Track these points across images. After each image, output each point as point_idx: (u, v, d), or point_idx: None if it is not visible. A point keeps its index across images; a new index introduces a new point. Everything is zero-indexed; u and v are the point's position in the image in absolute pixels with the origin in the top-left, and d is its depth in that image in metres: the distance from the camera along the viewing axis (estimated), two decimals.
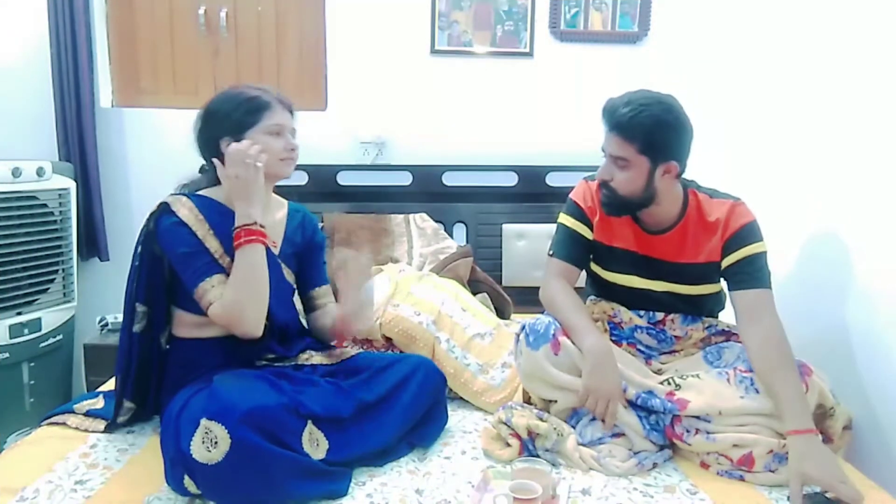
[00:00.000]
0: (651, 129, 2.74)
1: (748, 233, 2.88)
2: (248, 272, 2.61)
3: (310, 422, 2.45)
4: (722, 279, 3.00)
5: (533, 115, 5.01)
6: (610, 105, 2.82)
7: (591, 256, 3.16)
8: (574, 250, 3.10)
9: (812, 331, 3.29)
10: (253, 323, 2.65)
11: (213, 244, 2.66)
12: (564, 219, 3.14)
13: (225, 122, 2.74)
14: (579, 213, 3.10)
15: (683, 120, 2.81)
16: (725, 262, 2.91)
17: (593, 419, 2.78)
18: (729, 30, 4.30)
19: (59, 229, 4.35)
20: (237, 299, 2.59)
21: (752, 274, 2.86)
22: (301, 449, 2.35)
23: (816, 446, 2.49)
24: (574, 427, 2.82)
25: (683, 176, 2.95)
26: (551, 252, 3.13)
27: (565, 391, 2.82)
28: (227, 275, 2.65)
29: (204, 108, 2.82)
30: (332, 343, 3.01)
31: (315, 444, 2.42)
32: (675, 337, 3.09)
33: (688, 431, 2.70)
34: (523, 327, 2.95)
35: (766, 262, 2.88)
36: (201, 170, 2.96)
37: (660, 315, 3.08)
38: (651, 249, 3.02)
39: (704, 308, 3.11)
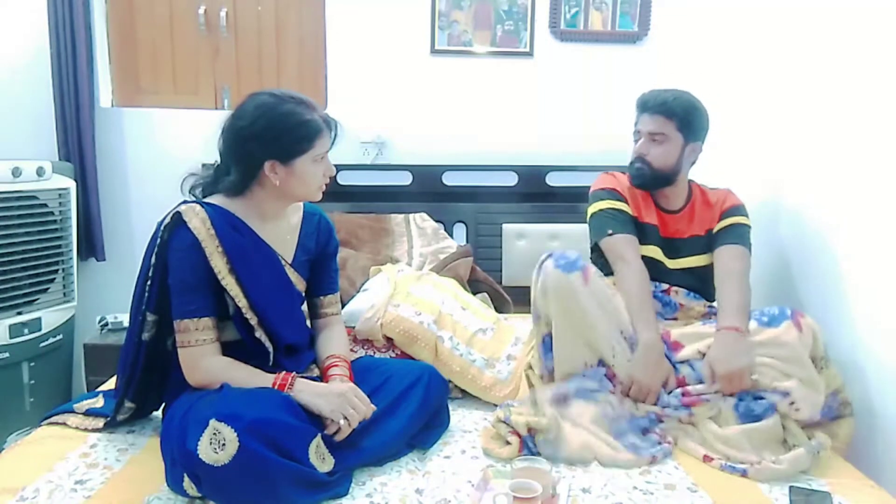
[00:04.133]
0: (688, 109, 3.26)
1: (739, 209, 3.38)
2: (249, 384, 2.58)
3: (318, 435, 2.44)
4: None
5: (533, 115, 5.02)
6: (650, 93, 3.31)
7: None
8: (628, 224, 3.35)
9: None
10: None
11: (218, 263, 2.58)
12: (603, 203, 3.40)
13: (275, 145, 2.60)
14: (615, 195, 3.40)
15: (707, 112, 3.33)
16: (717, 227, 3.36)
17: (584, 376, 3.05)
18: (729, 29, 4.30)
19: (59, 229, 4.35)
20: (221, 380, 2.56)
21: (735, 233, 3.31)
22: (307, 461, 2.34)
23: (734, 343, 2.92)
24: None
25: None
26: (610, 231, 3.32)
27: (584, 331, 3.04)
28: (217, 313, 2.66)
29: (249, 122, 2.61)
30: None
31: (321, 458, 2.41)
32: (679, 304, 3.34)
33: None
34: (551, 254, 3.08)
35: (749, 235, 3.32)
36: (217, 170, 2.79)
37: (665, 285, 3.35)
38: (667, 228, 3.40)
39: (706, 285, 3.35)
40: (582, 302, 2.97)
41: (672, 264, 3.35)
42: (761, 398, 2.83)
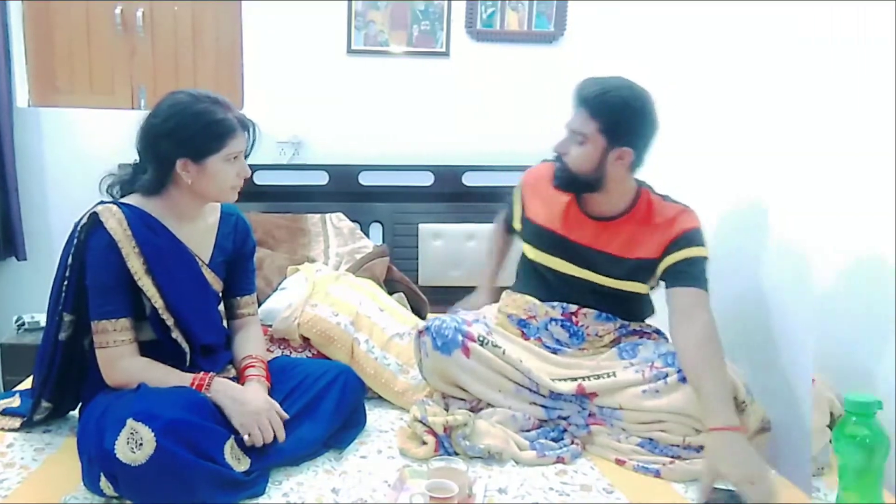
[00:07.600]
0: (615, 109, 2.82)
1: (693, 236, 2.94)
2: (167, 384, 2.58)
3: (233, 436, 2.46)
4: (661, 280, 3.02)
5: (449, 115, 5.06)
6: (584, 83, 2.91)
7: (522, 233, 3.32)
8: (508, 217, 3.47)
9: (737, 331, 3.31)
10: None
11: (134, 264, 2.58)
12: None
13: (187, 143, 2.61)
14: (518, 191, 3.39)
15: (649, 111, 2.89)
16: (667, 261, 2.95)
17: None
18: (644, 30, 4.35)
19: None
20: (139, 380, 2.55)
21: (691, 273, 2.89)
22: (224, 461, 2.36)
23: (736, 444, 2.47)
24: None
25: (638, 177, 3.05)
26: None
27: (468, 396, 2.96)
28: (134, 313, 2.65)
29: (162, 120, 2.63)
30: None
31: (237, 458, 2.43)
32: (587, 333, 3.08)
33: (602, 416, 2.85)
34: (428, 328, 2.97)
35: (706, 268, 2.91)
36: (135, 168, 2.79)
37: (573, 307, 3.08)
38: (589, 236, 3.05)
39: (623, 309, 3.12)
40: (467, 379, 2.91)
41: (583, 275, 3.06)
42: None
